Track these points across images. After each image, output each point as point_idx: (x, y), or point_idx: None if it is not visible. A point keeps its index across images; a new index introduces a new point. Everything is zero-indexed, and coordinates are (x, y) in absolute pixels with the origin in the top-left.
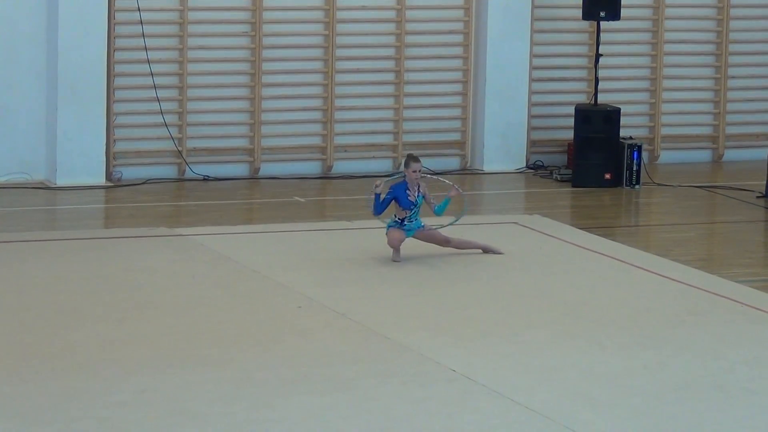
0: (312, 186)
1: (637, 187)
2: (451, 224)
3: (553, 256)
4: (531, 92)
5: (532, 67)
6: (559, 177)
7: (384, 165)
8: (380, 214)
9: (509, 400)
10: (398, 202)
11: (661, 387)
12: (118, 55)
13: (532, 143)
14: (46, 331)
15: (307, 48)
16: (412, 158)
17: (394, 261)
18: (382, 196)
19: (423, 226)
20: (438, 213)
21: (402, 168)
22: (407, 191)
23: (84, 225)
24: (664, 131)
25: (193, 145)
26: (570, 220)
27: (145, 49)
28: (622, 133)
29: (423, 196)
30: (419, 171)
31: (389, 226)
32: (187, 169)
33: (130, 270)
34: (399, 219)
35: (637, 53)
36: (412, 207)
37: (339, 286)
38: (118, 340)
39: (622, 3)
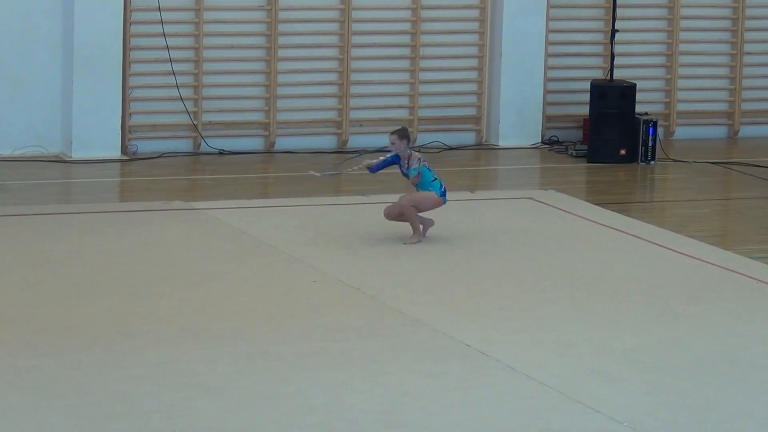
0: (327, 160)
1: (652, 162)
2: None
3: (567, 231)
4: (547, 68)
5: (548, 43)
6: (574, 152)
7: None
8: (376, 171)
9: (523, 375)
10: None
11: (676, 363)
12: (134, 29)
13: (547, 119)
14: (62, 304)
15: (322, 22)
16: (396, 132)
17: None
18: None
19: (440, 196)
20: (406, 174)
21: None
22: (401, 162)
23: (99, 199)
24: (680, 107)
25: (209, 118)
26: (585, 196)
27: (161, 23)
28: (638, 108)
29: (417, 168)
30: (390, 143)
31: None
32: (203, 142)
33: (145, 244)
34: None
35: (653, 29)
36: (405, 176)
37: (353, 261)
38: (134, 314)
39: None
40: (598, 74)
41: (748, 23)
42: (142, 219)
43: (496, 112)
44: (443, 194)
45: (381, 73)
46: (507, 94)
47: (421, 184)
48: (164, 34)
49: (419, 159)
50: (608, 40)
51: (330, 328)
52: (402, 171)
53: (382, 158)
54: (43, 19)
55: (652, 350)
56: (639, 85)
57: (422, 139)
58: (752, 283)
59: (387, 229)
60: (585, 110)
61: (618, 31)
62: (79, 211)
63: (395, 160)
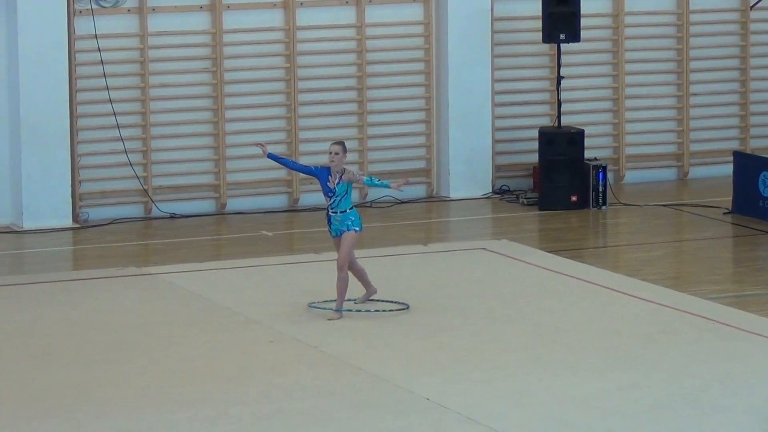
0: (279, 219)
1: (603, 207)
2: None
3: (522, 280)
4: (494, 117)
5: (495, 92)
6: (525, 201)
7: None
8: (291, 167)
9: (484, 426)
10: (321, 185)
11: (636, 407)
12: (80, 96)
13: (497, 168)
14: (19, 375)
15: (268, 81)
16: (340, 144)
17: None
18: None
19: (353, 229)
20: (366, 182)
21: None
22: (329, 177)
23: (52, 268)
24: (629, 151)
25: (159, 183)
26: (538, 244)
27: (107, 89)
28: (587, 154)
29: (346, 185)
30: (333, 153)
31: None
32: (154, 207)
33: (100, 311)
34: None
35: (599, 74)
36: (329, 194)
37: (309, 320)
38: (91, 382)
39: (582, 24)
40: (546, 121)
41: (693, 64)
42: (97, 286)
43: (445, 163)
44: (361, 227)
45: (329, 130)
46: (456, 145)
47: (349, 199)
48: (110, 100)
49: (355, 173)
50: (554, 87)
51: (289, 388)
52: (327, 187)
53: (303, 165)
54: None
55: (612, 395)
56: (587, 130)
57: (372, 194)
58: (708, 324)
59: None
60: (534, 158)
61: (563, 77)
62: (32, 282)
63: (316, 173)
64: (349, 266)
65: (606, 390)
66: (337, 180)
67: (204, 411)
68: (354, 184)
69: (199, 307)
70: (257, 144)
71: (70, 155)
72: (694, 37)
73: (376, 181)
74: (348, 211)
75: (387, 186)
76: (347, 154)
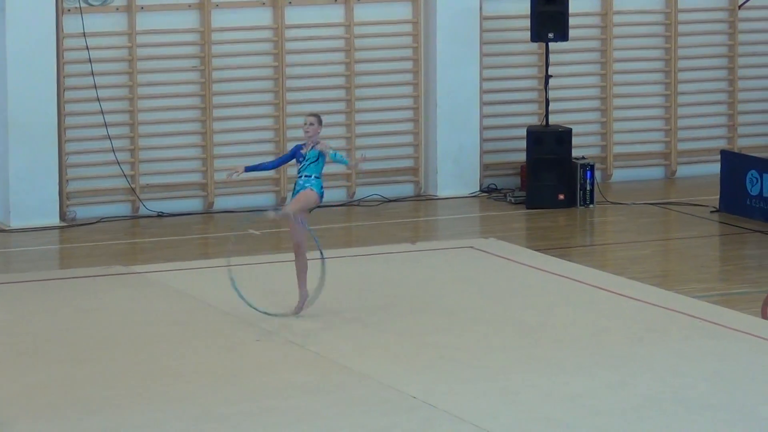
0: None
1: (591, 206)
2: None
3: (509, 279)
4: (482, 116)
5: (483, 91)
6: (513, 199)
7: (338, 194)
8: (273, 166)
9: (471, 425)
10: (296, 159)
11: (624, 406)
12: (68, 95)
13: (485, 167)
14: (5, 374)
15: (257, 80)
16: (315, 115)
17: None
18: None
19: (313, 189)
20: (331, 156)
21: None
22: (303, 147)
23: (40, 266)
24: (617, 150)
25: (146, 181)
26: (525, 243)
27: (95, 87)
28: (575, 153)
29: (318, 153)
30: (308, 123)
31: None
32: (141, 206)
33: (88, 310)
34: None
35: (587, 73)
36: (300, 159)
37: (296, 318)
38: (79, 380)
39: (570, 23)
40: (534, 120)
41: (681, 63)
42: (84, 285)
43: (433, 162)
44: (322, 194)
45: None
46: (444, 144)
47: (318, 167)
48: (98, 99)
49: (328, 145)
50: (542, 86)
51: (276, 387)
52: (300, 154)
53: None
54: None
55: (599, 394)
56: (575, 129)
57: (360, 192)
58: (695, 323)
59: (328, 285)
60: (522, 157)
61: (552, 76)
62: (20, 280)
63: (293, 151)
64: (297, 254)
65: (593, 388)
66: (310, 147)
67: (191, 410)
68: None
69: (186, 306)
70: (228, 173)
71: (57, 153)
72: (682, 36)
73: (338, 156)
74: (313, 177)
75: (346, 163)
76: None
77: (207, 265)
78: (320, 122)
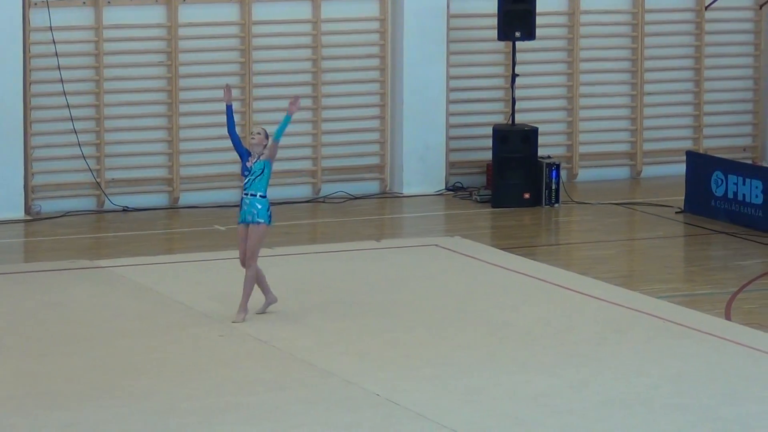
0: (232, 214)
1: (556, 205)
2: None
3: (474, 277)
4: (449, 114)
5: (449, 89)
6: (478, 198)
7: (304, 191)
8: (231, 132)
9: (434, 422)
10: (241, 166)
11: (586, 405)
12: (35, 88)
13: (450, 165)
14: None
15: (224, 76)
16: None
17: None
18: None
19: (257, 222)
20: (277, 137)
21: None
22: (249, 157)
23: (3, 260)
24: (582, 149)
25: (112, 176)
26: (491, 241)
27: (61, 81)
28: (540, 152)
29: (265, 162)
30: (255, 133)
31: None
32: (106, 200)
33: (51, 304)
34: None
35: (554, 72)
36: (245, 173)
37: (260, 315)
38: (43, 375)
39: (537, 23)
40: (500, 119)
41: (647, 64)
42: (48, 279)
43: (399, 160)
44: (269, 219)
45: None
46: (410, 141)
47: (263, 182)
48: (65, 93)
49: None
50: (509, 85)
51: (239, 382)
52: (245, 166)
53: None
54: None
55: (562, 393)
56: (541, 128)
57: (326, 189)
58: (659, 323)
59: (293, 281)
60: (488, 155)
61: (518, 75)
62: None
63: (241, 152)
64: (247, 268)
65: (557, 387)
66: (255, 159)
67: (154, 405)
68: (275, 158)
69: (150, 301)
70: (225, 88)
71: (23, 147)
72: (649, 36)
73: (281, 126)
74: (258, 197)
75: (288, 119)
76: (272, 140)
77: (172, 260)
78: (267, 137)
